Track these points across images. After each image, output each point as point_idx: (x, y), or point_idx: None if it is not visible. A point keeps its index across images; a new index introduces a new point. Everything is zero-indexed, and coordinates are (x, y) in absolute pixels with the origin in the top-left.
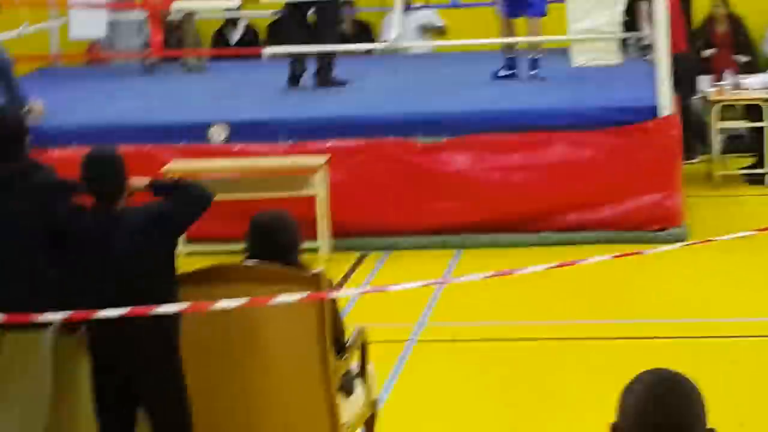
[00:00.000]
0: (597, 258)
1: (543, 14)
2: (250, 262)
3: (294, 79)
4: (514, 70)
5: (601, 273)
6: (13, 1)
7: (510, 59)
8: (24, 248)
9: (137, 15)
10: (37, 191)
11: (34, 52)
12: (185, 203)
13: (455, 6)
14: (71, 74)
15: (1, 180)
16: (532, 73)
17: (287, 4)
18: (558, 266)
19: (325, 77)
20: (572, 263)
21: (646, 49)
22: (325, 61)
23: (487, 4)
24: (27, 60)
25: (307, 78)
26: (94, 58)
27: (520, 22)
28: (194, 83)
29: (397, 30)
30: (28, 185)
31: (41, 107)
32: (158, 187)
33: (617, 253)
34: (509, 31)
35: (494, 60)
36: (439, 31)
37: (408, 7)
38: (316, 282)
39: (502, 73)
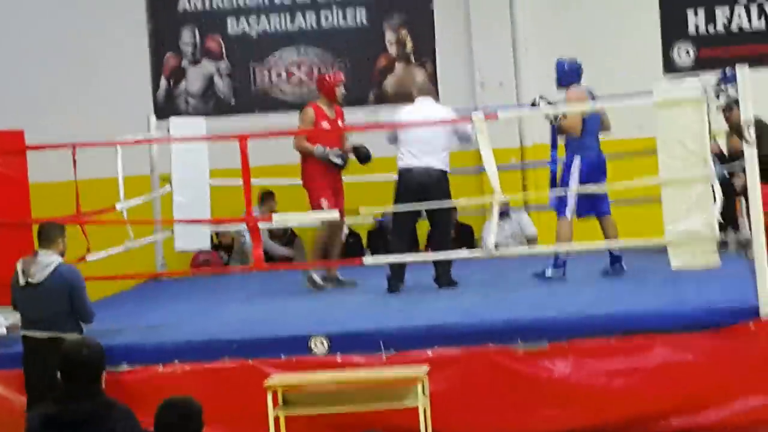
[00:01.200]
0: None
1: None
2: None
3: (393, 286)
4: (562, 269)
5: None
6: (120, 218)
7: (562, 260)
8: None
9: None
10: None
11: (139, 265)
12: None
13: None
14: (176, 287)
15: (74, 423)
16: (612, 267)
17: (395, 213)
18: None
19: (447, 279)
20: None
21: (746, 246)
22: (446, 266)
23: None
24: (132, 275)
25: (409, 283)
26: (200, 271)
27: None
28: (295, 293)
29: (494, 238)
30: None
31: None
32: None
33: None
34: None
35: (595, 260)
36: (532, 239)
37: (506, 213)
38: None
39: (550, 271)
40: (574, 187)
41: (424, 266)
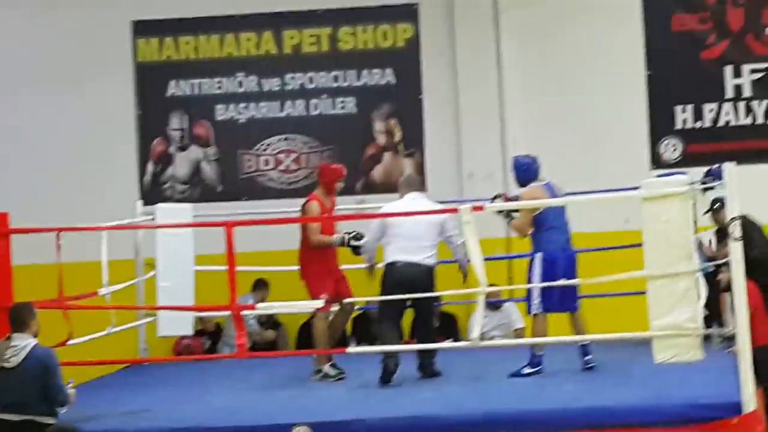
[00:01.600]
0: None
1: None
2: None
3: (387, 376)
4: (540, 368)
5: None
6: (103, 303)
7: (538, 356)
8: None
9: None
10: None
11: (121, 349)
12: None
13: None
14: (158, 373)
15: None
16: (585, 359)
17: (383, 302)
18: None
19: (430, 370)
20: None
21: (729, 340)
22: (430, 356)
23: None
24: (114, 361)
25: (399, 372)
26: (182, 358)
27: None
28: (278, 381)
29: (479, 329)
30: None
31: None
32: None
33: None
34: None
35: (574, 353)
36: (518, 333)
37: (495, 303)
38: None
39: (527, 370)
40: (536, 284)
41: (408, 356)
